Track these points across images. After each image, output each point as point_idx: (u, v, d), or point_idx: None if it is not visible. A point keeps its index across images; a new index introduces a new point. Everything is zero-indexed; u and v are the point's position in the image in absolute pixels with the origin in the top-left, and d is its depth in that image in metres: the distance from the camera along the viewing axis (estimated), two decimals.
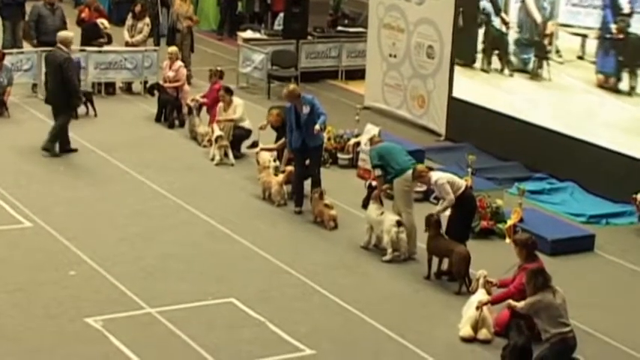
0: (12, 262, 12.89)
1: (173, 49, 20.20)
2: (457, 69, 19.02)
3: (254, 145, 17.09)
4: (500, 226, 14.64)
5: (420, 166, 13.59)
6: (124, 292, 12.16)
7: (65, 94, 16.93)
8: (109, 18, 22.39)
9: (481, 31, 18.54)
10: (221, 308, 11.94)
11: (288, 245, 14.00)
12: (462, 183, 13.32)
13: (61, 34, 17.51)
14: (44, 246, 13.45)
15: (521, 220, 14.48)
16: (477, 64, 18.67)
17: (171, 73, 19.63)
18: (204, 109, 18.62)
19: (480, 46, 18.58)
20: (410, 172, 13.49)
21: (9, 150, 17.06)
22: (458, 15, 18.73)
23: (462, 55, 18.94)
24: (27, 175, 15.99)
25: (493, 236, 14.58)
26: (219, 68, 18.99)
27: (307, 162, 15.28)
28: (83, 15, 21.62)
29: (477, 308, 11.44)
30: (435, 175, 13.22)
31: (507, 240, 14.23)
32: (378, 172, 13.82)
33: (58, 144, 17.03)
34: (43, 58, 20.11)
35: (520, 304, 10.62)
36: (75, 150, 17.09)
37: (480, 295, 11.66)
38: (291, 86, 15.50)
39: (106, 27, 21.36)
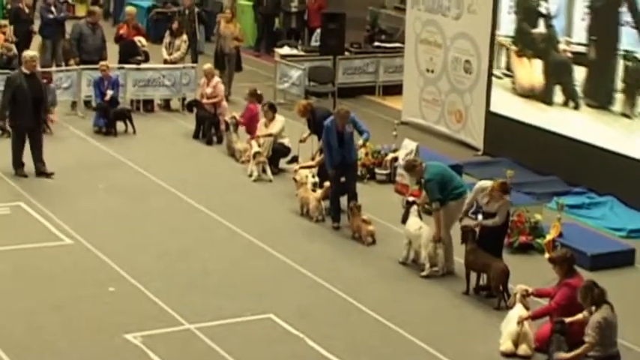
0: (53, 278, 13.02)
1: (208, 66, 20.31)
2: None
3: (293, 159, 17.17)
4: (539, 240, 14.59)
5: (503, 181, 13.35)
6: (162, 308, 12.25)
7: None
8: (147, 36, 22.56)
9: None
10: (259, 324, 11.98)
11: (326, 261, 14.03)
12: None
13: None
14: (84, 263, 13.58)
15: (560, 235, 14.43)
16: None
17: (208, 90, 19.76)
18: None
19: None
20: (465, 196, 13.44)
21: (50, 167, 17.21)
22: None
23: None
24: (67, 193, 16.14)
25: (532, 251, 14.54)
26: (258, 92, 19.05)
27: (343, 178, 15.32)
28: (121, 32, 21.85)
29: (518, 323, 11.41)
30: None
31: (546, 255, 14.17)
32: (437, 205, 13.47)
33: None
34: (83, 76, 20.35)
35: (589, 335, 10.38)
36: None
37: (519, 309, 11.63)
38: (346, 108, 15.57)
39: (143, 45, 21.57)
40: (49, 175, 16.68)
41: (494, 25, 18.76)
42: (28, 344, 11.25)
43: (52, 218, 15.01)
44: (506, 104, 18.69)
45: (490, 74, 18.99)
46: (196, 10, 24.97)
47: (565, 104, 17.53)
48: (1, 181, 16.54)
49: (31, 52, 17.51)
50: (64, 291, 12.63)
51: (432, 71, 20.49)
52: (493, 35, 18.82)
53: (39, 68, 17.62)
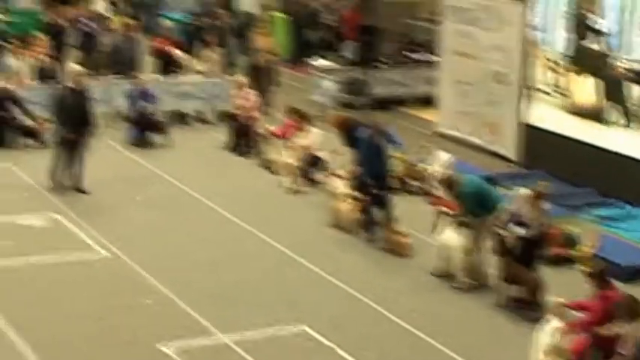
0: (89, 290, 13.13)
1: (240, 78, 20.43)
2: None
3: (327, 171, 17.22)
4: (573, 252, 14.54)
5: (544, 188, 13.40)
6: (197, 319, 12.31)
7: None
8: (182, 48, 22.70)
9: None
10: (293, 335, 12.01)
11: (359, 272, 14.05)
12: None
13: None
14: (120, 274, 13.68)
15: (595, 247, 14.37)
16: None
17: (241, 101, 19.85)
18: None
19: None
20: (500, 210, 13.44)
21: (86, 181, 17.34)
22: None
23: None
24: (103, 205, 16.28)
25: (566, 263, 14.48)
26: (297, 108, 19.11)
27: (376, 190, 15.34)
28: (158, 45, 22.01)
29: (553, 335, 11.37)
30: (545, 204, 13.18)
31: (581, 267, 14.12)
32: (472, 218, 13.51)
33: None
34: (117, 88, 20.53)
35: (628, 349, 10.34)
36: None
37: (555, 322, 11.59)
38: (378, 120, 15.66)
39: (179, 57, 21.71)
40: (84, 192, 16.69)
41: (528, 37, 18.72)
42: (64, 354, 11.35)
43: (88, 230, 15.13)
44: (555, 120, 18.47)
45: (523, 86, 18.94)
46: (230, 22, 25.15)
47: (617, 122, 17.28)
48: (39, 193, 16.70)
49: (77, 67, 17.63)
50: (99, 302, 12.73)
51: (466, 83, 20.48)
52: (527, 48, 18.77)
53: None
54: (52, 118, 16.93)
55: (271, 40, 22.75)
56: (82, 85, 16.91)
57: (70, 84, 16.81)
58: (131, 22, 23.08)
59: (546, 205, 13.21)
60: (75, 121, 16.55)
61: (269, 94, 22.00)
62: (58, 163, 16.81)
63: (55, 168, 16.85)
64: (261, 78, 22.01)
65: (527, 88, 18.92)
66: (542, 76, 18.69)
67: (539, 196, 13.12)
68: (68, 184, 16.73)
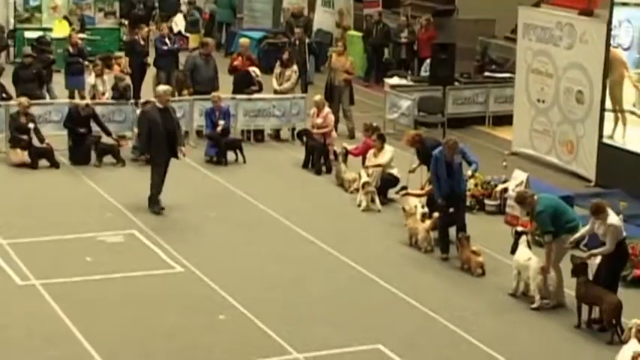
0: (164, 306, 13.23)
1: (319, 97, 20.42)
2: None
3: (403, 189, 17.16)
4: None
5: (601, 202, 13.17)
6: (271, 336, 12.33)
7: None
8: (259, 66, 22.83)
9: None
10: (368, 355, 11.98)
11: (435, 292, 13.97)
12: (624, 233, 13.05)
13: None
14: (195, 290, 13.77)
15: None
16: None
17: (319, 120, 19.87)
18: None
19: None
20: (577, 230, 13.27)
21: (163, 197, 17.44)
22: None
23: None
24: (179, 221, 16.40)
25: None
26: (374, 124, 19.12)
27: (452, 209, 15.25)
28: (236, 63, 22.11)
29: (633, 359, 11.16)
30: (612, 218, 12.93)
31: None
32: (549, 238, 13.34)
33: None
34: (195, 107, 20.71)
35: None
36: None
37: (634, 345, 11.37)
38: (454, 138, 15.58)
39: (257, 75, 21.82)
40: (160, 210, 16.65)
41: (607, 55, 18.48)
42: None
43: (163, 246, 15.27)
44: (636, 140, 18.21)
45: (603, 105, 18.69)
46: (306, 40, 25.23)
47: None
48: (116, 209, 16.89)
49: (164, 87, 17.60)
50: (174, 318, 12.82)
51: (543, 101, 20.30)
52: (606, 66, 18.54)
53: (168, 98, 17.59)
54: (141, 138, 16.88)
55: (349, 59, 22.68)
56: (169, 104, 16.93)
57: (158, 104, 16.72)
58: (209, 40, 23.23)
59: (613, 219, 12.92)
60: (164, 140, 16.46)
61: (347, 113, 21.99)
62: (157, 185, 16.64)
63: (154, 190, 16.67)
64: (338, 97, 22.00)
65: (614, 110, 18.49)
66: (630, 96, 18.31)
67: (597, 211, 12.92)
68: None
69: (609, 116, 18.62)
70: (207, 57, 21.54)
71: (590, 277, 12.95)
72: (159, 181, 16.67)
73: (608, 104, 18.63)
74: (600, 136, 18.79)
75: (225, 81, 22.08)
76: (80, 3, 28.48)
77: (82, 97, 21.42)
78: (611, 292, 12.66)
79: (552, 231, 13.32)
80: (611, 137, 18.50)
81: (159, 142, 16.49)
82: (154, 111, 16.65)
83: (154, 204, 16.68)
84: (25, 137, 19.02)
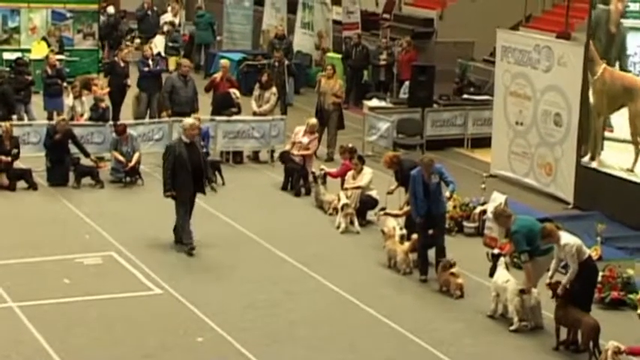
0: (142, 327, 13.19)
1: (313, 121, 20.39)
2: None
3: (382, 210, 17.19)
4: (631, 296, 14.35)
5: (549, 225, 13.38)
6: (250, 359, 12.31)
7: None
8: (238, 88, 22.85)
9: None
10: None
11: (414, 314, 13.98)
12: (587, 251, 13.12)
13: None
14: (173, 312, 13.73)
15: None
16: None
17: (304, 139, 19.86)
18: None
19: None
20: (553, 252, 13.31)
21: (141, 218, 17.50)
22: None
23: None
24: (157, 242, 16.36)
25: (624, 307, 14.30)
26: (350, 145, 19.16)
27: (431, 231, 15.28)
28: (214, 85, 22.13)
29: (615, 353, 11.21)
30: (564, 238, 13.01)
31: (639, 311, 13.94)
32: (525, 257, 13.42)
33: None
34: (174, 128, 20.69)
35: None
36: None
37: None
38: (430, 156, 15.64)
39: (237, 97, 21.85)
40: (191, 250, 15.87)
41: (586, 78, 18.59)
42: None
43: (142, 268, 15.23)
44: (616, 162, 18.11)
45: (581, 127, 18.78)
46: (286, 62, 25.29)
47: None
48: (94, 231, 16.85)
49: (191, 120, 16.75)
50: (152, 340, 12.79)
51: (522, 124, 20.39)
52: (585, 88, 18.63)
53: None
54: (166, 175, 15.95)
55: (338, 82, 22.66)
56: (195, 138, 16.22)
57: (185, 137, 15.99)
58: (185, 61, 23.24)
59: (565, 239, 12.96)
60: (190, 176, 15.80)
61: (331, 139, 21.99)
62: (183, 221, 15.96)
63: (180, 227, 16.02)
64: (326, 120, 22.01)
65: (635, 142, 17.74)
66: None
67: (545, 236, 13.02)
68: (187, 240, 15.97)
69: (627, 148, 17.74)
70: (186, 78, 21.55)
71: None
72: (184, 215, 15.96)
73: (625, 134, 17.69)
74: (578, 158, 18.87)
75: (205, 102, 22.10)
76: (59, 24, 28.42)
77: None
78: (589, 314, 12.70)
79: (528, 250, 13.37)
80: (631, 171, 17.62)
81: (184, 179, 15.78)
82: (180, 145, 15.92)
83: (181, 241, 16.01)
84: (5, 159, 18.88)
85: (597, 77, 18.04)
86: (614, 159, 18.02)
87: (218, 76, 22.39)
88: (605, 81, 17.89)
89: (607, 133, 18.15)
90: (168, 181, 15.87)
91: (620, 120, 17.85)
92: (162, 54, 29.79)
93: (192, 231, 15.98)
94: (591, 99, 18.16)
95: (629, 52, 17.61)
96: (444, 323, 13.67)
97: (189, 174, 15.81)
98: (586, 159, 18.35)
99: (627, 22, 17.55)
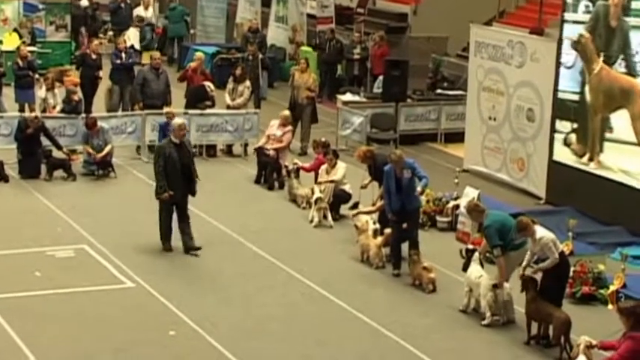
0: (113, 321, 13.15)
1: (286, 113, 20.38)
2: None
3: (355, 206, 17.22)
4: (602, 291, 14.44)
5: (524, 218, 13.45)
6: (222, 352, 12.31)
7: None
8: (212, 81, 22.79)
9: None
10: None
11: (387, 308, 14.02)
12: (561, 246, 13.22)
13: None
14: (145, 306, 13.70)
15: (624, 286, 14.27)
16: None
17: (278, 132, 19.85)
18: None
19: None
20: (525, 247, 13.39)
21: (113, 210, 17.44)
22: None
23: None
24: (130, 236, 16.32)
25: (595, 302, 14.39)
26: (323, 139, 19.15)
27: (405, 225, 15.31)
28: (187, 78, 22.04)
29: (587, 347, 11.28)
30: (539, 232, 13.08)
31: (609, 306, 14.05)
32: (497, 252, 13.46)
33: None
34: (147, 121, 20.63)
35: None
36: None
37: None
38: (398, 152, 15.63)
39: (212, 90, 21.80)
40: (196, 250, 15.68)
41: (558, 73, 18.67)
42: None
43: (114, 261, 15.19)
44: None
45: (553, 122, 18.87)
46: (260, 56, 25.26)
47: None
48: (66, 224, 16.78)
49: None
50: (124, 334, 12.76)
51: (495, 119, 20.47)
52: (556, 84, 18.72)
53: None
54: (158, 176, 15.59)
55: (311, 76, 22.63)
56: (185, 139, 16.02)
57: (174, 138, 15.73)
58: (156, 53, 23.11)
59: (540, 232, 13.05)
60: (179, 177, 15.58)
61: (305, 132, 21.98)
62: (166, 223, 15.75)
63: (164, 228, 15.78)
64: (299, 114, 22.00)
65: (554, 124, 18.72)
66: None
67: (521, 229, 13.10)
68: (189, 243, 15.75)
69: (634, 150, 17.13)
70: (158, 71, 21.46)
71: None
72: (169, 220, 15.71)
73: (625, 136, 17.32)
74: (550, 153, 18.95)
75: (178, 95, 22.04)
76: (31, 16, 28.26)
77: (32, 111, 21.30)
78: (560, 309, 12.78)
79: (500, 244, 13.43)
80: None
81: (173, 180, 15.53)
82: (170, 146, 15.69)
83: (166, 241, 15.79)
84: None
85: (594, 75, 17.77)
86: (614, 160, 17.64)
87: (193, 65, 22.28)
88: (601, 79, 17.68)
89: (607, 134, 17.80)
90: (161, 182, 15.54)
91: (619, 121, 17.44)
92: (136, 47, 29.64)
93: (192, 231, 15.73)
94: (588, 97, 17.98)
95: (633, 50, 17.11)
96: (417, 317, 13.72)
97: (179, 175, 15.61)
98: (584, 159, 18.09)
99: (631, 21, 17.10)
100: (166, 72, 22.08)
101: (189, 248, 15.70)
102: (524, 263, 13.29)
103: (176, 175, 15.59)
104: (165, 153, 15.63)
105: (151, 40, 30.58)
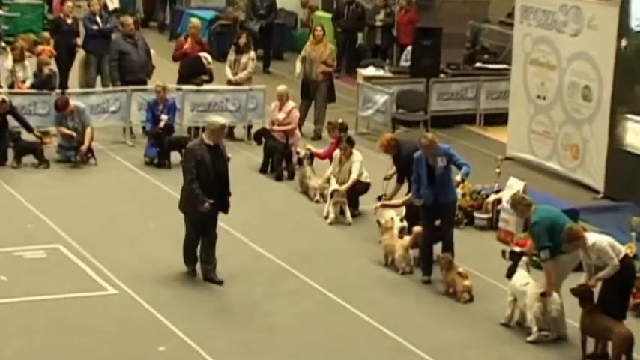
0: (92, 334, 13.19)
1: (282, 87, 20.34)
2: None
3: (379, 199, 17.24)
4: None
5: (575, 226, 13.44)
6: None
7: None
8: (210, 52, 22.80)
9: None
10: None
11: (413, 320, 14.06)
12: (622, 249, 13.20)
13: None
14: (130, 316, 13.76)
15: None
16: None
17: (280, 116, 19.89)
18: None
19: None
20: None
21: (95, 206, 17.48)
22: None
23: None
24: (112, 233, 16.40)
25: None
26: (340, 121, 19.12)
27: (437, 222, 15.33)
28: (186, 47, 21.95)
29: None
30: (591, 238, 13.09)
31: None
32: (545, 254, 13.44)
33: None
34: (133, 99, 20.66)
35: None
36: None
37: None
38: (430, 136, 15.60)
39: (209, 62, 21.75)
40: (219, 284, 14.88)
41: (620, 44, 18.63)
42: None
43: (94, 263, 15.26)
44: None
45: (614, 103, 18.84)
46: (266, 23, 25.25)
47: None
48: (37, 219, 16.86)
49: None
50: (105, 349, 12.81)
51: (544, 98, 20.47)
52: (618, 57, 18.69)
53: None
54: (193, 183, 14.76)
55: (328, 48, 22.48)
56: (221, 141, 15.18)
57: (208, 140, 14.91)
58: (128, 18, 22.57)
59: (593, 237, 13.05)
60: (212, 187, 14.81)
61: (321, 111, 21.93)
62: (192, 242, 15.06)
63: (189, 247, 15.11)
64: (313, 93, 21.98)
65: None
66: None
67: (568, 239, 13.08)
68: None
69: None
70: (134, 39, 21.41)
71: None
72: (195, 238, 15.04)
73: None
74: (611, 139, 18.93)
75: (171, 68, 22.07)
76: None
77: None
78: (621, 323, 12.78)
79: (549, 245, 13.42)
80: None
81: (204, 190, 14.70)
82: (202, 148, 14.87)
83: (190, 263, 15.15)
84: None
85: None
86: None
87: (187, 42, 22.06)
88: None
89: None
90: (197, 191, 14.68)
91: None
92: (118, 8, 29.65)
93: (216, 260, 15.05)
94: None
95: None
96: (449, 331, 13.75)
97: (211, 184, 14.82)
98: None
99: None
100: (143, 38, 22.02)
101: (209, 279, 15.03)
102: (584, 279, 13.21)
103: (207, 184, 14.78)
104: (197, 156, 14.80)
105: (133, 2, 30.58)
